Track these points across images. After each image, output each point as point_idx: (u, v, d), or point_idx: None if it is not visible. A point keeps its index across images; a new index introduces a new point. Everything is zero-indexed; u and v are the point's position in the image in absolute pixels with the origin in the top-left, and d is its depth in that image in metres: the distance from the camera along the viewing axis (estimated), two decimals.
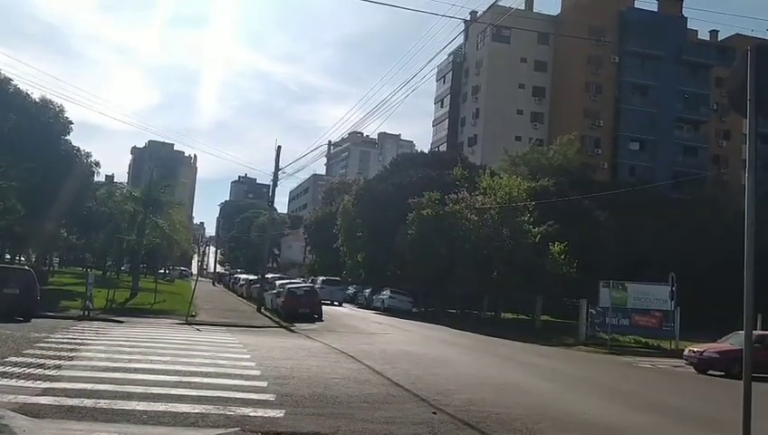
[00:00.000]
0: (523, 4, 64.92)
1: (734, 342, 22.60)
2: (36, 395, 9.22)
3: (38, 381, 10.29)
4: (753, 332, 26.89)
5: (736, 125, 64.84)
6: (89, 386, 10.06)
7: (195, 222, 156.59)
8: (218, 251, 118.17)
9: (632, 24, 67.55)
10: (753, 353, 23.43)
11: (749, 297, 7.02)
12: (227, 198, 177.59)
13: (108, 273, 55.22)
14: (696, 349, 22.98)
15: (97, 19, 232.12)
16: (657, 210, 47.13)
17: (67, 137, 37.84)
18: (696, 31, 73.50)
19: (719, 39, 72.84)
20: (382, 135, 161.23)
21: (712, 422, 11.46)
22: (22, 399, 8.85)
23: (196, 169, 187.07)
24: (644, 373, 21.00)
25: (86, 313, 25.19)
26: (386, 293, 45.91)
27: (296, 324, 28.05)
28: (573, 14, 68.26)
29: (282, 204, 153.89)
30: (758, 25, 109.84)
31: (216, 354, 15.59)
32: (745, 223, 7.13)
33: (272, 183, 40.64)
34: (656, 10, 70.46)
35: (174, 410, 8.83)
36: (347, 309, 44.18)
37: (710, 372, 21.31)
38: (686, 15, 71.45)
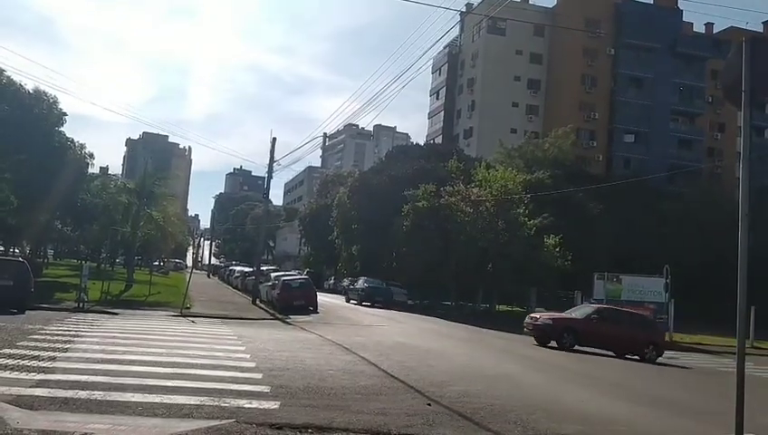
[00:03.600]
0: None
1: (578, 314, 23.16)
2: (30, 387, 9.19)
3: (32, 373, 10.26)
4: (592, 304, 27.72)
5: (731, 118, 64.98)
6: (83, 378, 10.04)
7: (189, 214, 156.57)
8: (213, 243, 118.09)
9: (628, 16, 67.49)
10: (589, 325, 24.12)
11: (743, 289, 7.06)
12: (222, 191, 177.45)
13: (102, 265, 55.14)
14: (534, 316, 23.76)
15: (90, 10, 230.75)
16: (652, 203, 47.29)
17: (61, 128, 37.67)
18: (692, 23, 73.69)
19: (714, 32, 72.94)
20: (378, 127, 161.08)
21: (704, 414, 11.53)
22: (16, 391, 8.83)
23: (190, 160, 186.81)
24: (637, 365, 21.07)
25: (81, 305, 25.14)
26: None
27: (291, 316, 28.07)
28: (569, 6, 68.21)
29: (277, 196, 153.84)
30: (753, 18, 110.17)
31: (210, 346, 15.58)
32: (740, 215, 7.15)
33: (267, 175, 40.55)
34: (651, 2, 70.50)
35: (168, 401, 8.82)
36: (342, 301, 44.15)
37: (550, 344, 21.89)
38: (681, 8, 71.55)
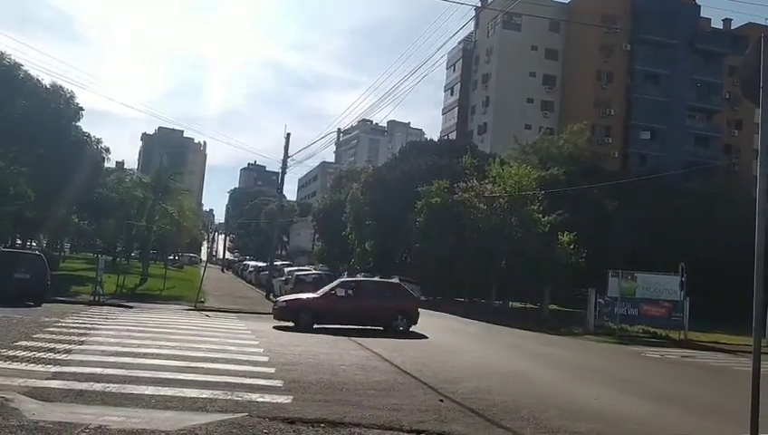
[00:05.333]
0: None
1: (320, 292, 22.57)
2: (46, 379, 9.30)
3: (48, 366, 10.37)
4: (349, 279, 27.04)
5: (749, 115, 64.20)
6: (98, 370, 10.14)
7: (204, 209, 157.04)
8: (227, 238, 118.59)
9: (645, 11, 66.83)
10: (329, 301, 23.35)
11: (759, 287, 7.00)
12: (237, 186, 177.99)
13: (118, 258, 55.51)
14: (279, 298, 23.81)
15: (109, 6, 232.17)
16: (667, 200, 46.86)
17: (77, 123, 37.95)
18: (710, 19, 72.87)
19: (732, 27, 72.13)
20: (392, 123, 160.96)
21: (719, 412, 11.43)
22: (32, 383, 8.94)
23: (205, 155, 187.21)
24: (652, 363, 20.93)
25: (96, 298, 25.39)
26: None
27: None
28: (585, 2, 67.72)
29: (291, 191, 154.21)
30: None
31: (224, 340, 15.67)
32: (756, 213, 7.08)
33: (281, 170, 40.68)
34: None
35: (182, 394, 8.89)
36: None
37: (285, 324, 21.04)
38: (699, 3, 70.80)
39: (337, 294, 21.99)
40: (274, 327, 20.08)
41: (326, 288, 22.97)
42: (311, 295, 22.59)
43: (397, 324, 21.37)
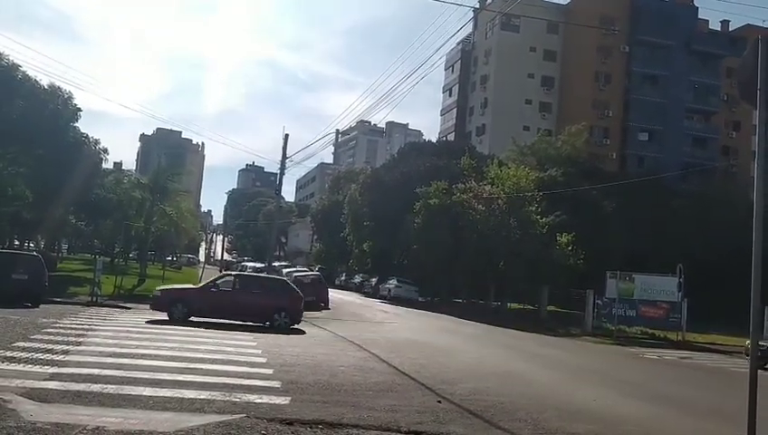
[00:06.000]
0: None
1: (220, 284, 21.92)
2: (44, 380, 9.28)
3: (46, 367, 10.36)
4: (232, 272, 26.47)
5: (746, 116, 64.36)
6: (96, 371, 10.12)
7: (202, 210, 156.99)
8: (226, 239, 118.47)
9: (642, 13, 66.92)
10: (206, 295, 21.21)
11: (756, 288, 7.01)
12: (235, 186, 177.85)
13: (116, 259, 55.46)
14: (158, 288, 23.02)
15: (106, 5, 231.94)
16: (665, 201, 46.92)
17: (75, 124, 37.89)
18: (707, 21, 73.08)
19: (730, 29, 72.26)
20: (390, 124, 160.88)
21: (716, 413, 11.45)
22: (29, 384, 8.92)
23: (203, 156, 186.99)
24: (650, 364, 20.97)
25: (94, 299, 25.36)
26: (392, 282, 46.00)
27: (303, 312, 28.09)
28: (583, 3, 67.81)
29: (289, 192, 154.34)
30: None
31: (222, 341, 15.65)
32: (754, 214, 7.10)
33: (279, 171, 40.63)
34: None
35: (180, 395, 8.88)
36: (353, 298, 44.27)
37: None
38: (696, 5, 70.98)
39: (216, 288, 21.44)
40: (147, 322, 19.05)
41: (207, 281, 22.52)
42: (188, 287, 22.23)
43: (277, 321, 20.72)
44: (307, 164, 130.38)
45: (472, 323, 30.56)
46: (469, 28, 70.50)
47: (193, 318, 20.19)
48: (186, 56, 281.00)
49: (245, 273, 24.98)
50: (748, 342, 21.40)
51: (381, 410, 8.95)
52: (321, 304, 31.94)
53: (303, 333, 20.10)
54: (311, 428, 7.73)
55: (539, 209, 38.60)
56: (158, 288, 22.45)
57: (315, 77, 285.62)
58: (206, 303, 20.60)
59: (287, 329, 20.36)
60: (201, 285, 21.81)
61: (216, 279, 22.60)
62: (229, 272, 25.50)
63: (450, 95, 77.99)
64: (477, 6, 61.34)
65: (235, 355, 13.33)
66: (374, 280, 50.81)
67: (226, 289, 21.41)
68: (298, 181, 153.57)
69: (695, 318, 31.08)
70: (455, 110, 76.18)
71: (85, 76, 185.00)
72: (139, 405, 8.23)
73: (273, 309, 20.89)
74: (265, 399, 9.11)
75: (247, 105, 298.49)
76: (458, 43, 73.93)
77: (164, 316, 20.21)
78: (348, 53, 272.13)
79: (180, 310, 20.13)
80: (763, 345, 20.35)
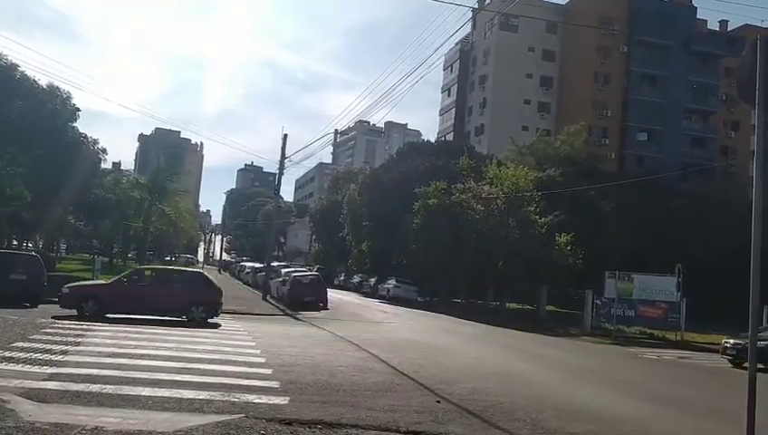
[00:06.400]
0: None
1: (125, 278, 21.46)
2: (43, 380, 9.27)
3: (44, 367, 10.35)
4: (146, 267, 25.38)
5: (745, 116, 64.42)
6: (95, 372, 10.12)
7: (201, 210, 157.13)
8: (224, 239, 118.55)
9: (641, 13, 66.92)
10: (118, 289, 20.57)
11: (755, 288, 7.01)
12: (234, 186, 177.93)
13: (115, 259, 55.44)
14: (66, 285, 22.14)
15: (105, 5, 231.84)
16: (664, 201, 46.92)
17: (74, 124, 37.93)
18: (706, 21, 73.11)
19: (729, 29, 72.29)
20: (389, 124, 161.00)
21: (715, 413, 11.46)
22: (28, 384, 8.92)
23: (202, 156, 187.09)
24: (649, 364, 20.98)
25: None
26: (391, 282, 45.99)
27: (301, 312, 28.14)
28: (582, 3, 67.83)
29: (288, 192, 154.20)
30: None
31: (220, 341, 15.65)
32: (752, 214, 7.10)
33: (278, 171, 40.67)
34: None
35: (179, 395, 8.88)
36: (352, 298, 44.26)
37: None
38: (695, 5, 71.01)
39: (129, 282, 20.99)
40: (53, 316, 18.52)
41: (120, 275, 21.97)
42: (99, 282, 21.72)
43: (193, 314, 20.35)
44: (306, 164, 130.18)
45: (471, 323, 30.57)
46: (468, 28, 70.62)
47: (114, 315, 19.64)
48: (185, 56, 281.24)
49: (161, 267, 24.41)
50: (724, 340, 21.74)
51: (380, 410, 8.95)
52: (320, 304, 31.95)
53: (219, 326, 19.89)
54: (309, 428, 7.73)
55: (538, 209, 38.61)
56: (66, 285, 21.57)
57: (314, 77, 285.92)
58: (119, 298, 20.13)
59: (204, 323, 20.03)
60: (113, 279, 21.27)
61: (129, 274, 22.09)
62: (144, 267, 25.11)
63: (449, 95, 78.00)
64: (476, 6, 61.34)
65: (234, 355, 13.32)
66: (373, 280, 50.80)
67: (140, 284, 21.09)
68: (297, 181, 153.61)
69: (693, 318, 31.09)
70: (453, 110, 76.19)
71: (84, 76, 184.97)
72: (138, 405, 8.23)
73: (188, 303, 20.51)
74: (264, 399, 9.10)
75: (246, 105, 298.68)
76: (457, 43, 74.04)
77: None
78: (347, 53, 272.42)
79: (91, 307, 19.60)
80: (738, 344, 20.54)
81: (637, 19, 66.96)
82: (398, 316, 31.11)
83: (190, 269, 25.45)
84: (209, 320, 20.64)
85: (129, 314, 19.88)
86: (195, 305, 20.53)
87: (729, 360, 21.23)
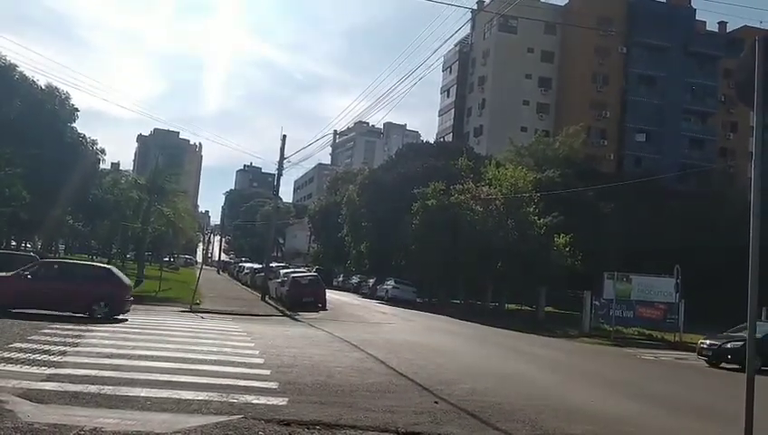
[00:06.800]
0: None
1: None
2: (41, 381, 9.27)
3: (43, 368, 10.34)
4: (49, 260, 23.93)
5: (744, 117, 64.50)
6: (93, 372, 10.11)
7: (200, 210, 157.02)
8: (223, 240, 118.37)
9: (640, 14, 66.99)
10: (20, 284, 19.15)
11: (754, 289, 7.01)
12: (232, 187, 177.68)
13: (113, 260, 55.35)
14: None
15: (103, 6, 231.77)
16: (663, 202, 46.94)
17: (73, 124, 37.95)
18: (705, 22, 73.26)
19: (728, 30, 72.35)
20: (388, 125, 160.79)
21: (713, 414, 11.46)
22: (26, 384, 8.91)
23: (201, 157, 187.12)
24: (647, 365, 21.00)
25: None
26: (390, 283, 45.96)
27: (300, 313, 28.12)
28: (581, 4, 67.82)
29: (287, 193, 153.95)
30: (767, 17, 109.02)
31: (219, 342, 15.64)
32: (751, 215, 7.10)
33: (277, 172, 40.64)
34: (664, 1, 69.98)
35: (177, 396, 8.88)
36: (351, 299, 44.25)
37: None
38: (694, 6, 71.10)
39: (29, 276, 19.66)
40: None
41: (18, 269, 20.62)
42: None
43: (97, 311, 19.37)
44: (305, 165, 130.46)
45: (469, 324, 30.56)
46: (467, 29, 70.65)
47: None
48: (184, 57, 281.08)
49: (64, 260, 23.24)
50: (701, 340, 21.87)
51: (379, 411, 8.95)
52: (319, 304, 31.95)
53: (126, 320, 19.37)
54: (308, 428, 7.73)
55: (536, 210, 38.64)
56: None
57: (313, 78, 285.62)
58: (17, 292, 19.02)
59: (109, 319, 19.12)
60: (11, 273, 19.97)
61: (31, 267, 20.81)
62: (47, 260, 24.20)
63: (448, 96, 78.04)
64: (475, 8, 61.40)
65: (233, 356, 13.32)
66: (372, 281, 50.76)
67: (41, 278, 19.78)
68: (296, 182, 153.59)
69: (692, 319, 31.09)
70: (452, 110, 76.23)
71: (83, 76, 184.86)
72: (137, 406, 8.23)
73: (92, 298, 19.54)
74: (263, 400, 9.10)
75: (245, 106, 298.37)
76: (456, 45, 74.01)
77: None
78: (346, 54, 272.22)
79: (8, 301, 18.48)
80: (714, 344, 20.60)
81: (635, 20, 67.02)
82: (397, 317, 31.10)
83: (95, 263, 24.12)
84: (114, 317, 19.55)
85: (29, 309, 18.77)
86: (98, 302, 19.56)
87: (705, 360, 21.33)
